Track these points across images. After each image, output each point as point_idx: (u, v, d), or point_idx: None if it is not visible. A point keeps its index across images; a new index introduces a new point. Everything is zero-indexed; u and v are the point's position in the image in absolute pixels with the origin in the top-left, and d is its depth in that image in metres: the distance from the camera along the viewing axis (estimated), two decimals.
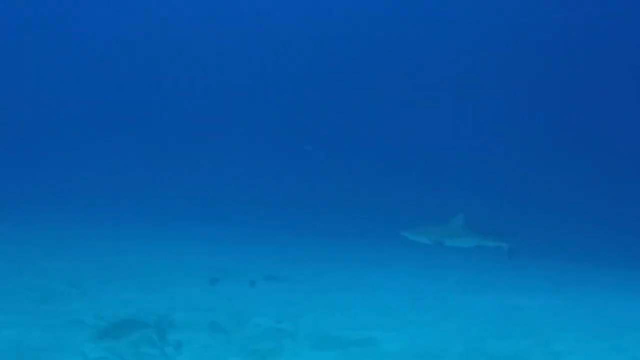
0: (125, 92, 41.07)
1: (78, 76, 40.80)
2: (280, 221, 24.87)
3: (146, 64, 42.19)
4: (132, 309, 10.37)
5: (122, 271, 14.00)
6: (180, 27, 41.79)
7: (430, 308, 12.38)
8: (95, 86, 40.62)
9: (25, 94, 39.32)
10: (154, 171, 32.63)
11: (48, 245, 16.58)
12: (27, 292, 11.23)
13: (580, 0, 37.50)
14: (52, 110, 38.81)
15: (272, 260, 16.89)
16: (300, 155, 32.93)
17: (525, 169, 33.63)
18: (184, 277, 13.88)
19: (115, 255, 16.00)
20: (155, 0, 41.97)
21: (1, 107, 36.72)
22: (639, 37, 36.57)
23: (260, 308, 11.37)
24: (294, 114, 38.59)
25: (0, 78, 38.88)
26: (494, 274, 16.96)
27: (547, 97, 38.21)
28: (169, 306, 10.86)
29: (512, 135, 36.51)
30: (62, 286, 11.89)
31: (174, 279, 13.62)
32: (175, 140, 37.43)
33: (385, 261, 17.94)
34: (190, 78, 41.50)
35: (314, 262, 17.16)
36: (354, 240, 21.39)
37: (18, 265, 13.54)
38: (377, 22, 41.38)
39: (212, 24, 42.26)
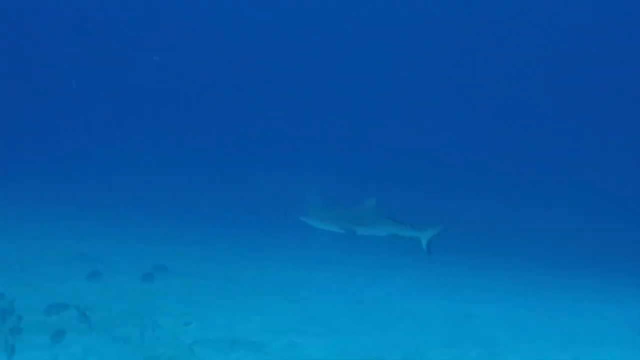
0: None
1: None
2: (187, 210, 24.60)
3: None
4: None
5: None
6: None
7: (368, 313, 12.48)
8: None
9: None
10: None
11: None
12: None
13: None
14: None
15: (171, 253, 16.63)
16: None
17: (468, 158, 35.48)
18: (63, 270, 13.51)
19: None
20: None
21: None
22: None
23: (161, 307, 11.19)
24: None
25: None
26: (445, 276, 17.27)
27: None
28: (45, 303, 10.44)
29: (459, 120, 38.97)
30: None
31: (52, 272, 13.23)
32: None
33: (318, 259, 17.94)
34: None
35: (230, 257, 17.09)
36: (281, 235, 21.16)
37: None
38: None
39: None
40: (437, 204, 26.67)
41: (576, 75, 40.94)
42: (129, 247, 16.92)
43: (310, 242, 18.54)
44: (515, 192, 31.91)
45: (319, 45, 45.90)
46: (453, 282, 16.58)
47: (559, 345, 11.37)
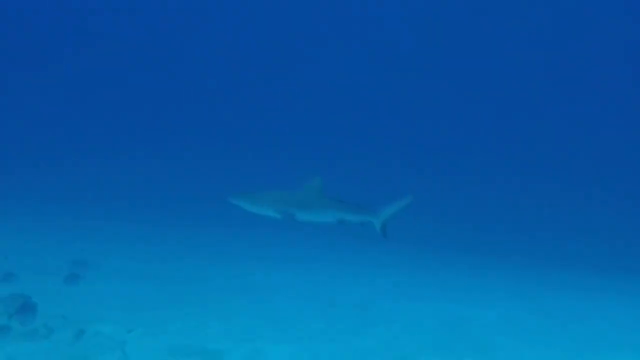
0: None
1: None
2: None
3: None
4: None
5: None
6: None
7: (347, 317, 12.28)
8: None
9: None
10: None
11: None
12: None
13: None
14: None
15: (103, 251, 16.21)
16: None
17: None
18: None
19: None
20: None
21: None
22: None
23: (96, 311, 10.91)
24: None
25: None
26: (436, 276, 17.16)
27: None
28: None
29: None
30: None
31: None
32: None
33: (288, 258, 17.74)
34: None
35: (182, 256, 16.76)
36: (244, 230, 20.88)
37: None
38: None
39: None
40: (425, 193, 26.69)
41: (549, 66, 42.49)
42: (52, 245, 16.41)
43: (280, 238, 18.32)
44: (515, 183, 32.30)
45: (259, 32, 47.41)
46: (445, 283, 16.45)
47: (566, 351, 11.26)
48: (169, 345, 9.60)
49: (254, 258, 17.28)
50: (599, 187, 32.53)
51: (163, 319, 10.88)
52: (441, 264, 19.02)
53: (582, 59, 44.07)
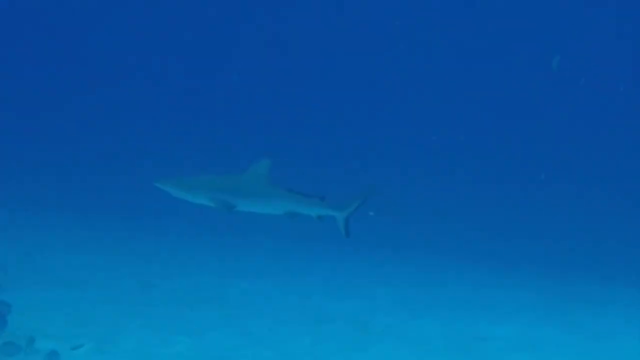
0: None
1: None
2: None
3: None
4: None
5: None
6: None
7: (339, 334, 11.83)
8: None
9: None
10: None
11: None
12: None
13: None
14: None
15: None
16: None
17: None
18: None
19: None
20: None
21: None
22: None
23: (41, 325, 10.34)
24: None
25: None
26: (446, 287, 16.65)
27: None
28: None
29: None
30: None
31: None
32: None
33: (274, 266, 17.13)
34: None
35: (150, 263, 16.06)
36: (215, 235, 19.87)
37: None
38: None
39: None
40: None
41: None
42: None
43: (261, 244, 18.18)
44: (528, 184, 32.12)
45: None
46: (455, 295, 15.99)
47: None
48: None
49: (230, 266, 16.81)
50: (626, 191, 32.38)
51: (116, 333, 10.50)
52: (450, 272, 18.51)
53: (582, 59, 45.05)
